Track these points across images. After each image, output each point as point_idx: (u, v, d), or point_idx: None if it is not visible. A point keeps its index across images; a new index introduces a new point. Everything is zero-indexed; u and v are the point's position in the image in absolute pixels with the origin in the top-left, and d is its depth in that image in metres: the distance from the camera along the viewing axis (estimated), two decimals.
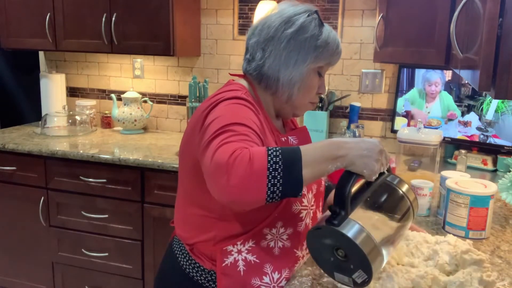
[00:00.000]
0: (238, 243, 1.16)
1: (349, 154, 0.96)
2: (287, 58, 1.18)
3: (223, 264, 1.16)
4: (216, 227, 1.17)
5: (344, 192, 0.97)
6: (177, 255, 1.26)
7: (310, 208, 1.23)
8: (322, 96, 2.59)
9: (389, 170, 1.11)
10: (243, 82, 1.25)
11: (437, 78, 2.39)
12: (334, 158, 0.96)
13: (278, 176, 0.91)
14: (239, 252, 1.16)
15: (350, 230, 0.95)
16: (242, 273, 1.16)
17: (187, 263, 1.22)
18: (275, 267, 1.18)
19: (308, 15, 1.20)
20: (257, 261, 1.17)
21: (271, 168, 0.91)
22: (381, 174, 1.05)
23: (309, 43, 1.18)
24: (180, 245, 1.26)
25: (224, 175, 0.90)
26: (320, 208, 1.33)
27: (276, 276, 1.18)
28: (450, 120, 2.38)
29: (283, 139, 1.24)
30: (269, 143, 1.15)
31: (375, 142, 1.00)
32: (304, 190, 1.20)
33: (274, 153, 0.92)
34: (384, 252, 0.98)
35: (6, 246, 2.78)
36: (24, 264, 2.76)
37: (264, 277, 1.17)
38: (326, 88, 2.66)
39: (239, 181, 0.90)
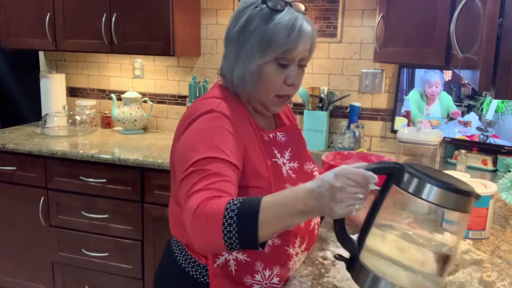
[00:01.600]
0: None
1: (316, 205, 0.91)
2: (236, 57, 1.16)
3: (215, 265, 1.17)
4: None
5: (343, 238, 0.94)
6: (175, 251, 1.28)
7: None
8: (322, 96, 2.59)
9: (394, 171, 0.94)
10: (223, 83, 1.25)
11: (437, 78, 2.39)
12: (300, 213, 0.93)
13: (233, 237, 0.93)
14: (230, 252, 1.16)
15: (365, 283, 0.93)
16: (233, 272, 1.17)
17: (183, 259, 1.24)
18: (266, 265, 1.18)
19: (255, 7, 1.13)
20: (248, 259, 1.17)
21: (225, 230, 0.92)
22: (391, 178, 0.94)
23: (254, 38, 1.12)
24: (177, 242, 1.28)
25: (190, 227, 0.97)
26: None
27: (267, 273, 1.19)
28: (452, 119, 2.37)
29: (270, 135, 1.22)
30: (252, 146, 1.15)
31: (344, 176, 0.90)
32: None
33: (230, 214, 0.92)
34: (412, 278, 0.94)
35: (6, 246, 2.78)
36: (24, 264, 2.76)
37: (255, 275, 1.18)
38: (326, 88, 2.66)
39: (199, 237, 0.96)
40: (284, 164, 1.22)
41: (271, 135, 1.22)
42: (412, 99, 2.47)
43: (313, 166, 1.34)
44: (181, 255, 1.25)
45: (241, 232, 0.92)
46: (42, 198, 2.61)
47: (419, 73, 2.44)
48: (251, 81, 1.15)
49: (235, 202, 0.94)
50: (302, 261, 1.27)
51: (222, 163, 1.03)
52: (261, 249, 0.96)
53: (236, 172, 1.06)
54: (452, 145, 2.45)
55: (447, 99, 2.38)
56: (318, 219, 1.35)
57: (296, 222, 0.94)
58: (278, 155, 1.21)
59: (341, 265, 1.23)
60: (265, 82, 1.15)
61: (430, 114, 2.43)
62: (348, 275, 1.16)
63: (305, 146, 1.36)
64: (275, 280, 1.19)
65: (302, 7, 1.17)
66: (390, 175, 0.94)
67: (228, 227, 0.92)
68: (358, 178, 0.90)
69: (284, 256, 1.21)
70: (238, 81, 1.17)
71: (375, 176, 0.91)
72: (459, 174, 1.63)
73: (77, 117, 3.03)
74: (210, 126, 1.09)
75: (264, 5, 1.12)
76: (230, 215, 0.93)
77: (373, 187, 0.93)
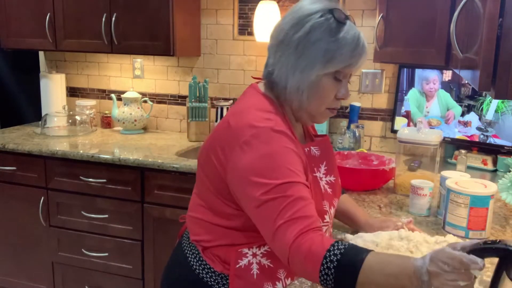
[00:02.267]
0: (254, 246, 1.15)
1: (418, 287, 0.88)
2: (295, 65, 1.10)
3: (237, 266, 1.15)
4: (234, 236, 1.16)
5: None
6: (188, 257, 1.23)
7: (330, 223, 1.22)
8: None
9: (504, 255, 0.81)
10: (266, 90, 1.18)
11: (435, 75, 2.40)
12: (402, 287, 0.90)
13: (329, 283, 0.94)
14: (254, 255, 1.15)
15: None
16: (255, 276, 1.15)
17: (197, 264, 1.20)
18: (288, 273, 1.17)
19: (321, 16, 1.09)
20: (271, 265, 1.16)
21: (322, 277, 0.94)
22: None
23: (318, 48, 1.08)
24: (191, 245, 1.23)
25: (285, 259, 0.99)
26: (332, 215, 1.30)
27: (289, 282, 1.18)
28: (448, 120, 2.37)
29: (306, 149, 1.19)
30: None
31: (440, 260, 0.86)
32: (326, 206, 1.19)
33: (328, 265, 0.93)
34: None
35: (6, 246, 2.78)
36: (24, 264, 2.76)
37: (277, 282, 1.16)
38: None
39: (296, 270, 1.00)
40: (321, 179, 1.20)
41: (306, 149, 1.19)
42: (411, 98, 2.47)
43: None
44: (195, 261, 1.21)
45: (338, 284, 0.93)
46: (42, 198, 2.61)
47: (418, 71, 2.44)
48: (307, 91, 1.11)
49: (336, 251, 0.94)
50: None
51: (300, 186, 1.03)
52: None
53: (309, 191, 1.07)
54: (452, 145, 2.45)
55: (446, 97, 2.38)
56: (331, 227, 1.32)
57: None
58: (315, 169, 1.20)
59: None
60: (320, 94, 1.12)
61: (429, 112, 2.43)
62: None
63: (335, 159, 1.32)
64: None
65: (353, 19, 1.15)
66: (501, 259, 0.82)
67: (325, 275, 0.94)
68: (456, 263, 0.83)
69: None
70: (293, 90, 1.12)
71: (479, 260, 0.82)
72: (459, 174, 1.64)
73: (77, 117, 3.03)
74: (276, 149, 1.05)
75: (331, 15, 1.09)
76: (328, 265, 0.93)
77: (477, 273, 0.82)
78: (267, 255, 1.15)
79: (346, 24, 1.10)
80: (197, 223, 1.22)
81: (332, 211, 1.21)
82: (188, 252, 1.23)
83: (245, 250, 1.15)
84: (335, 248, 0.94)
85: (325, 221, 1.18)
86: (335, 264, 0.92)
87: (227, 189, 1.11)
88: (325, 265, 0.93)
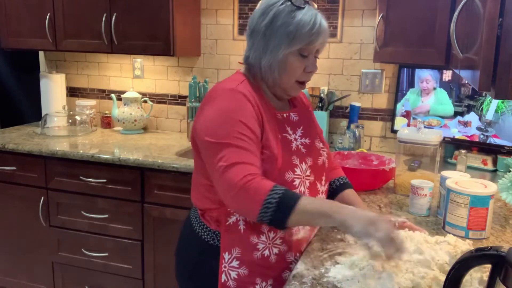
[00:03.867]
0: None
1: (342, 217, 1.14)
2: (264, 48, 1.30)
3: (227, 223, 1.32)
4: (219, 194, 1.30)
5: None
6: (192, 220, 1.45)
7: (305, 177, 1.35)
8: (322, 96, 2.60)
9: (496, 261, 0.80)
10: (246, 71, 1.39)
11: (428, 75, 2.40)
12: (327, 216, 1.16)
13: (269, 212, 1.15)
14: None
15: None
16: (242, 231, 1.32)
17: (198, 225, 1.41)
18: (271, 228, 1.30)
19: (282, 4, 1.29)
20: (256, 222, 1.26)
21: (264, 205, 1.15)
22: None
23: (281, 31, 1.27)
24: (195, 211, 1.44)
25: (232, 191, 1.17)
26: (323, 183, 1.44)
27: (272, 235, 1.33)
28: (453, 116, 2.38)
29: (284, 115, 1.37)
30: (268, 120, 1.30)
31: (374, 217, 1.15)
32: (296, 161, 1.33)
33: (274, 195, 1.15)
34: None
35: (6, 246, 2.78)
36: (24, 264, 2.76)
37: (261, 235, 1.32)
38: (326, 88, 2.66)
39: (240, 203, 1.19)
40: (295, 139, 1.37)
41: (284, 115, 1.38)
42: (410, 99, 2.47)
43: (322, 145, 1.48)
44: (196, 222, 1.42)
45: (274, 216, 1.15)
46: (42, 198, 2.61)
47: (417, 70, 2.45)
48: (277, 69, 1.31)
49: (280, 189, 1.17)
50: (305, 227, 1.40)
51: (246, 137, 1.22)
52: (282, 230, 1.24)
53: (258, 144, 1.25)
54: (452, 145, 2.45)
55: (442, 96, 2.38)
56: (326, 187, 1.48)
57: (317, 221, 1.21)
58: (290, 132, 1.37)
59: (341, 265, 1.23)
60: (289, 70, 1.31)
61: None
62: (348, 275, 1.16)
63: (316, 126, 1.52)
64: (278, 241, 1.34)
65: (315, 5, 1.36)
66: (494, 266, 0.81)
67: (268, 204, 1.15)
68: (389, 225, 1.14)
69: None
70: (266, 68, 1.32)
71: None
72: (459, 174, 1.64)
73: (77, 117, 3.03)
74: (232, 103, 1.25)
75: (289, 2, 1.28)
76: (274, 195, 1.15)
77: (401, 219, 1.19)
78: None
79: (304, 8, 1.29)
80: (195, 187, 1.43)
81: (304, 166, 1.35)
82: (192, 216, 1.46)
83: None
84: (276, 188, 1.16)
85: (296, 173, 1.32)
86: (280, 194, 1.15)
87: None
88: (272, 193, 1.15)
